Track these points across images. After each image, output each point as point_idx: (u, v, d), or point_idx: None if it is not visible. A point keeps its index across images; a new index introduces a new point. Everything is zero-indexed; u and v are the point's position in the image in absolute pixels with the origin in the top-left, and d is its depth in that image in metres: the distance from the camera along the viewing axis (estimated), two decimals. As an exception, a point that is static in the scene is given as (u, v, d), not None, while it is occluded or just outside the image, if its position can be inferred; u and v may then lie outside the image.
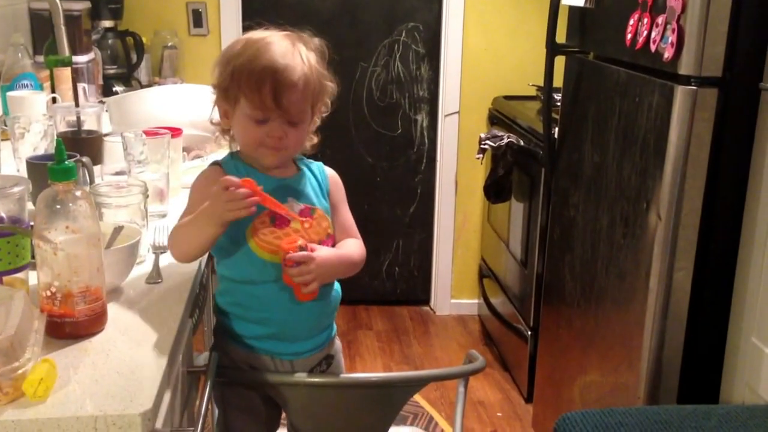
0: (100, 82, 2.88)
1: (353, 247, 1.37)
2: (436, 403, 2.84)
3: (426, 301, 3.68)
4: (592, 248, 2.05)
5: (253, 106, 1.22)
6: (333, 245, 1.35)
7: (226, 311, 1.32)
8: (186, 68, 3.18)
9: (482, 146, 2.94)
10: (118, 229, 1.21)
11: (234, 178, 1.19)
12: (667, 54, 1.60)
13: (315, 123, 1.33)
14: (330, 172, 1.40)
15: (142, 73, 3.08)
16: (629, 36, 1.78)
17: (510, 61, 3.35)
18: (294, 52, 1.24)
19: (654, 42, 1.66)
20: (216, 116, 1.33)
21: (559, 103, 3.01)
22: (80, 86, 2.51)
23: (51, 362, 0.96)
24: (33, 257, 1.14)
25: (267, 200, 1.22)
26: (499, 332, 3.25)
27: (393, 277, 3.62)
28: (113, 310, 1.15)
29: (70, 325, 1.06)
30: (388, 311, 3.61)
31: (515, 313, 2.99)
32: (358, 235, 1.42)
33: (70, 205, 1.05)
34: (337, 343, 1.45)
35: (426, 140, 3.50)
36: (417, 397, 2.86)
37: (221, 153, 2.12)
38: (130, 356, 1.03)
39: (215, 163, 1.32)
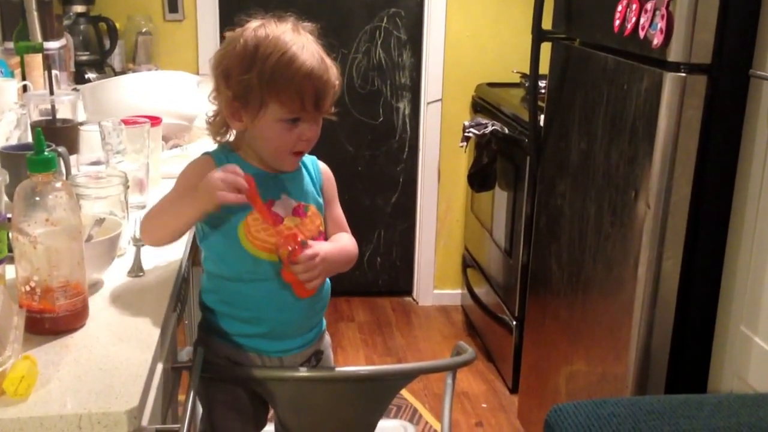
0: (72, 69, 2.84)
1: (348, 240, 1.37)
2: (419, 395, 2.85)
3: (408, 291, 3.68)
4: (579, 237, 2.07)
5: (290, 110, 1.21)
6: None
7: (213, 309, 1.31)
8: (161, 55, 3.15)
9: (466, 134, 2.94)
10: (98, 221, 1.20)
11: (239, 170, 1.19)
12: (656, 41, 1.61)
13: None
14: (323, 167, 1.40)
15: (116, 59, 3.04)
16: (617, 22, 1.78)
17: (493, 47, 3.35)
18: (317, 49, 1.24)
19: (643, 28, 1.67)
20: (211, 113, 1.31)
21: (544, 91, 3.05)
22: (55, 72, 2.47)
23: (32, 359, 0.95)
24: (10, 251, 1.12)
25: (258, 204, 1.21)
26: (483, 323, 3.26)
27: (375, 267, 3.62)
28: (95, 304, 1.13)
29: (50, 321, 1.05)
30: (370, 302, 3.61)
31: (500, 303, 3.00)
32: (349, 230, 1.42)
33: (50, 196, 1.03)
34: (327, 338, 1.45)
35: (408, 128, 3.49)
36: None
37: (200, 143, 2.10)
38: (113, 352, 1.02)
39: (206, 154, 1.30)
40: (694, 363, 1.72)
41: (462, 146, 3.07)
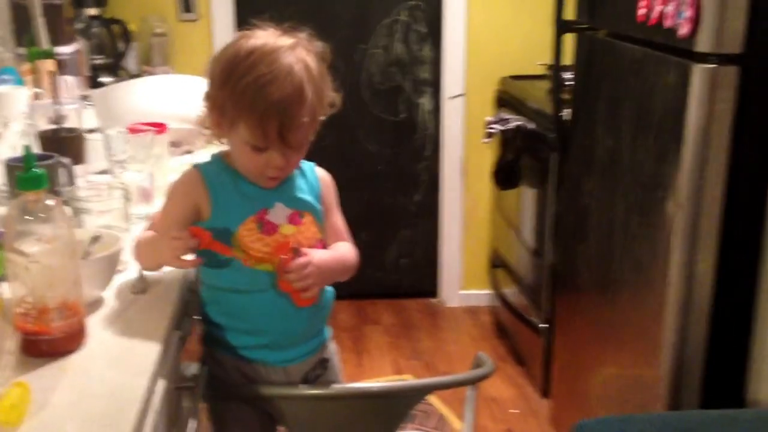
0: (87, 73, 2.83)
1: (346, 249, 1.33)
2: (447, 399, 2.80)
3: (433, 293, 3.63)
4: (607, 238, 2.00)
5: (254, 137, 1.18)
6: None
7: (215, 321, 1.29)
8: (176, 56, 3.13)
9: (489, 130, 2.88)
10: (96, 238, 1.17)
11: (183, 233, 1.17)
12: (683, 30, 1.54)
13: (314, 132, 1.27)
14: (321, 174, 1.36)
15: (131, 62, 3.03)
16: (642, 11, 1.72)
17: (517, 38, 3.28)
18: (304, 76, 1.17)
19: (669, 17, 1.60)
20: (203, 115, 1.28)
21: (569, 83, 2.98)
22: (63, 79, 2.46)
23: (24, 386, 0.92)
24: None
25: (214, 245, 1.20)
26: (512, 325, 3.20)
27: (399, 269, 3.58)
28: (94, 323, 1.11)
29: (46, 343, 1.02)
30: (395, 305, 3.56)
31: (528, 304, 2.94)
32: (350, 239, 1.39)
33: (42, 214, 1.01)
34: (332, 346, 1.42)
35: (430, 125, 3.44)
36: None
37: (212, 149, 2.07)
38: (111, 376, 0.99)
39: (194, 167, 1.27)
40: (731, 370, 1.65)
41: (486, 142, 3.01)
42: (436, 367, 3.04)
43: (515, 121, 2.83)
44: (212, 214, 1.22)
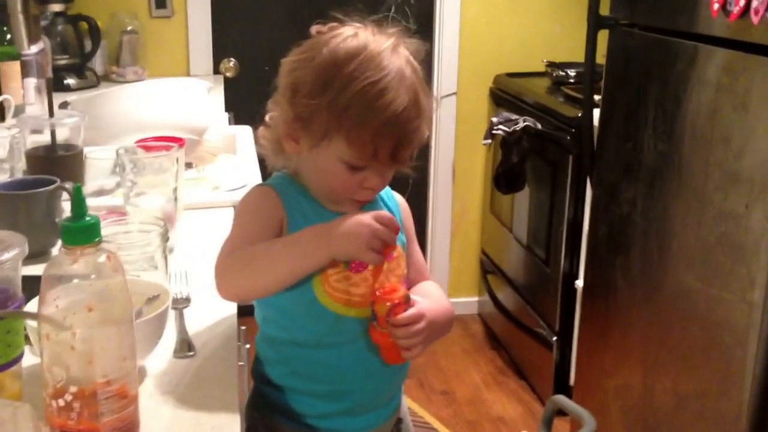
0: (50, 74, 2.51)
1: (441, 295, 1.10)
2: (449, 423, 2.59)
3: (423, 301, 3.42)
4: (659, 252, 1.81)
5: (359, 154, 0.94)
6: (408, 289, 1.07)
7: (279, 384, 1.03)
8: (148, 55, 2.82)
9: (494, 131, 2.67)
10: (151, 300, 0.91)
11: (396, 220, 0.94)
12: (779, 25, 1.35)
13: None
14: (400, 199, 1.13)
15: (97, 62, 2.72)
16: (716, 6, 1.53)
17: (513, 35, 3.08)
18: (415, 82, 0.96)
19: (756, 12, 1.41)
20: (268, 119, 1.03)
21: (572, 80, 2.80)
22: (29, 82, 2.16)
23: None
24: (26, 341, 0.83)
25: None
26: (509, 334, 3.01)
27: (387, 277, 3.35)
28: (141, 406, 0.84)
29: (94, 446, 0.76)
30: (383, 316, 3.33)
31: (533, 315, 2.75)
32: (430, 276, 1.16)
33: (93, 275, 0.74)
34: (404, 402, 1.18)
35: (420, 126, 3.22)
36: (428, 417, 2.61)
37: (219, 165, 1.80)
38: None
39: (264, 186, 1.03)
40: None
41: (486, 143, 2.81)
42: (431, 385, 2.82)
43: (522, 122, 2.63)
44: None
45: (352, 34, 0.96)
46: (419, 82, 0.97)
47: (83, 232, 0.72)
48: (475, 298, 3.38)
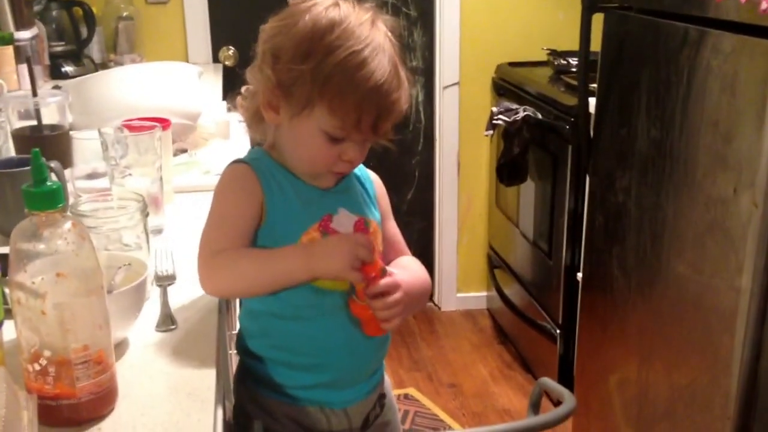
0: (47, 61, 2.57)
1: (418, 267, 1.14)
2: (456, 415, 2.64)
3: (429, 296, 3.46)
4: (652, 240, 1.85)
5: (340, 126, 0.98)
6: None
7: (262, 356, 1.08)
8: (145, 42, 2.87)
9: (494, 121, 2.71)
10: (124, 268, 0.95)
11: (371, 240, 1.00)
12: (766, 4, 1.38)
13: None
14: (374, 177, 1.17)
15: (94, 49, 2.78)
16: (707, -13, 1.56)
17: (515, 23, 3.12)
18: (393, 56, 1.00)
19: (746, -7, 1.44)
20: (244, 90, 1.08)
21: (573, 69, 2.83)
22: (25, 68, 2.21)
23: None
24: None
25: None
26: (516, 329, 3.05)
27: (390, 271, 3.39)
28: (122, 375, 0.90)
29: (69, 409, 0.81)
30: (388, 310, 3.38)
31: (538, 309, 2.79)
32: (409, 252, 1.20)
33: (59, 241, 0.79)
34: (387, 378, 1.23)
35: (422, 117, 3.26)
36: (436, 409, 2.65)
37: (210, 148, 1.85)
38: (157, 448, 0.79)
39: (241, 162, 1.06)
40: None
41: (488, 134, 2.85)
42: (439, 378, 2.87)
43: (522, 111, 2.67)
44: (266, 221, 1.02)
45: (333, 4, 1.00)
46: (397, 55, 1.01)
47: (45, 197, 0.77)
48: (484, 293, 3.42)
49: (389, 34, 1.02)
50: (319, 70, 0.96)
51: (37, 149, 0.81)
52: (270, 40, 1.01)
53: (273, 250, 1.00)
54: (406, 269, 1.10)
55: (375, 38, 0.98)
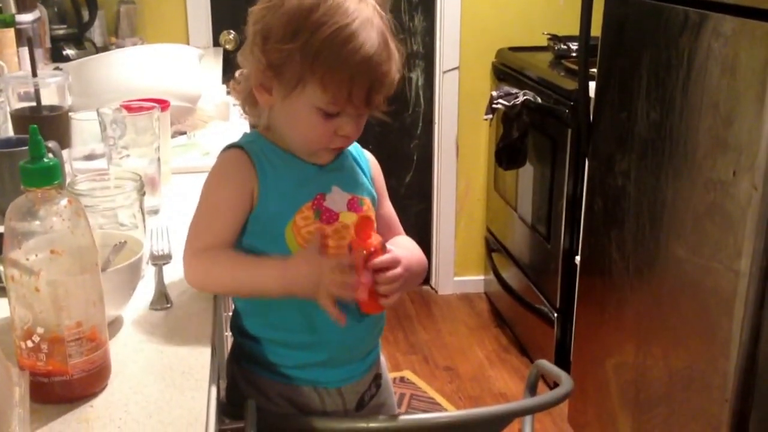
0: (48, 44, 2.55)
1: (414, 246, 1.13)
2: (453, 398, 2.63)
3: (426, 279, 3.44)
4: (651, 223, 1.83)
5: (333, 101, 0.97)
6: None
7: (257, 336, 1.06)
8: (147, 26, 2.85)
9: (494, 105, 2.69)
10: (118, 246, 0.94)
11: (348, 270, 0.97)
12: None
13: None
14: (370, 157, 1.16)
15: (96, 33, 2.75)
16: (708, -31, 1.53)
17: (515, 7, 3.09)
18: (383, 29, 0.99)
19: (746, -25, 1.42)
20: (238, 75, 1.06)
21: (573, 54, 2.80)
22: (25, 51, 2.18)
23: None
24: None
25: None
26: (513, 312, 3.03)
27: (389, 254, 3.38)
28: (116, 354, 0.88)
29: (61, 386, 0.80)
30: (386, 293, 3.36)
31: (535, 292, 2.77)
32: (404, 232, 1.18)
33: (54, 218, 0.77)
34: (383, 358, 1.21)
35: (422, 100, 3.23)
36: (432, 392, 2.64)
37: (209, 130, 1.83)
38: (151, 426, 0.77)
39: (234, 147, 1.05)
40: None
41: (487, 119, 2.83)
42: (436, 361, 2.86)
43: (522, 96, 2.64)
44: (260, 202, 1.00)
45: None
46: (387, 28, 1.00)
47: (41, 173, 0.75)
48: (481, 277, 3.40)
49: (378, 8, 1.01)
50: (307, 47, 0.95)
51: (35, 125, 0.79)
52: (259, 22, 1.00)
53: (252, 261, 0.99)
54: (403, 247, 1.09)
55: (362, 12, 0.97)
